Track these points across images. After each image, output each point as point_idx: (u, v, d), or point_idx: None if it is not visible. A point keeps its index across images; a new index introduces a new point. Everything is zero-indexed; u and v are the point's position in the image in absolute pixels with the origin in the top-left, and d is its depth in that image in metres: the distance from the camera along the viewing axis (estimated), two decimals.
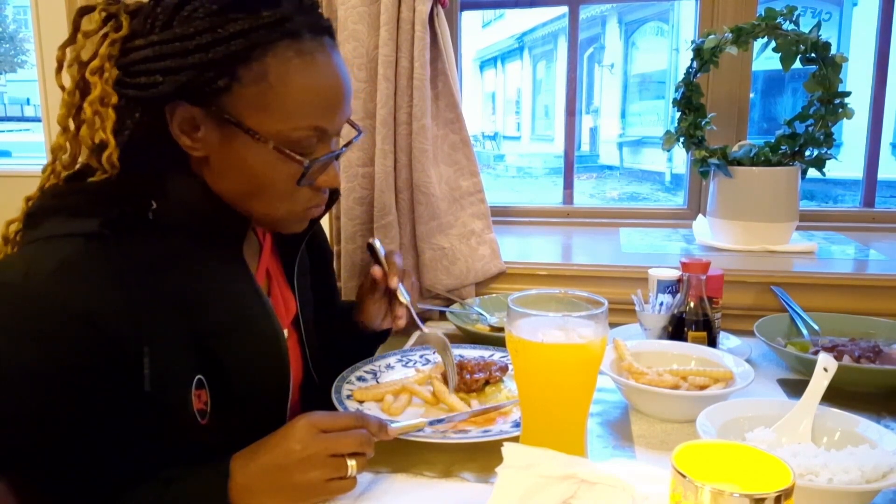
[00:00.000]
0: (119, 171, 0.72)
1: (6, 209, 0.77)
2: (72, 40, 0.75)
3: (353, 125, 0.87)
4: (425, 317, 1.46)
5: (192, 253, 0.76)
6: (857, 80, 1.81)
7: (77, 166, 0.76)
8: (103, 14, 0.74)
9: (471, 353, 1.10)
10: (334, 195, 0.89)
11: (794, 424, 0.79)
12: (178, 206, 0.75)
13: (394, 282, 1.01)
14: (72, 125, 0.74)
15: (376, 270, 1.02)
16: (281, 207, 0.78)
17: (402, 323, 1.04)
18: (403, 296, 1.01)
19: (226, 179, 0.76)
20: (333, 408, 0.90)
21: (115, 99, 0.71)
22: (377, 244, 1.04)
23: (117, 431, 0.69)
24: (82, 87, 0.73)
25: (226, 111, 0.71)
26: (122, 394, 0.68)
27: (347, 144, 0.83)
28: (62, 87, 0.74)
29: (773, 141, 1.51)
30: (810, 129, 1.46)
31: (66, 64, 0.74)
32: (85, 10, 0.76)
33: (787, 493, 0.46)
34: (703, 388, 0.92)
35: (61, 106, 0.74)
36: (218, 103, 0.71)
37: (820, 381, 0.80)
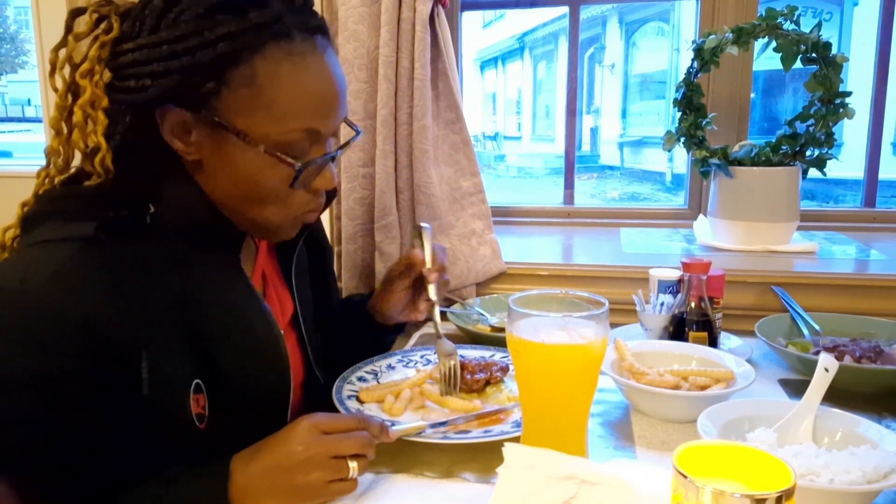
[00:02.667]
0: (114, 175, 0.71)
1: (7, 209, 0.77)
2: (63, 42, 0.74)
3: (350, 125, 0.86)
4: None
5: (188, 257, 0.76)
6: (857, 79, 1.81)
7: (72, 170, 0.75)
8: (95, 16, 0.73)
9: (472, 353, 1.10)
10: (331, 195, 0.88)
11: (796, 425, 0.79)
12: (175, 210, 0.75)
13: (433, 276, 1.00)
14: (64, 128, 0.73)
15: (417, 254, 1.01)
16: (275, 211, 0.77)
17: (421, 317, 1.04)
18: (433, 295, 1.01)
19: (219, 183, 0.76)
20: (336, 409, 0.90)
21: (105, 102, 0.70)
22: (428, 230, 1.02)
23: (115, 436, 0.69)
24: (73, 90, 0.72)
25: (216, 114, 0.70)
26: (119, 398, 0.68)
27: (343, 146, 0.82)
28: (55, 90, 0.73)
29: (773, 141, 1.51)
30: (811, 128, 1.46)
31: (58, 66, 0.73)
32: (77, 12, 0.75)
33: (789, 493, 0.46)
34: (704, 388, 0.92)
35: (54, 109, 0.73)
36: (207, 107, 0.70)
37: (821, 382, 0.80)
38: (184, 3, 0.69)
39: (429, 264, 1.01)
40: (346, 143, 0.83)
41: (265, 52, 0.69)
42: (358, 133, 0.87)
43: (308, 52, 0.72)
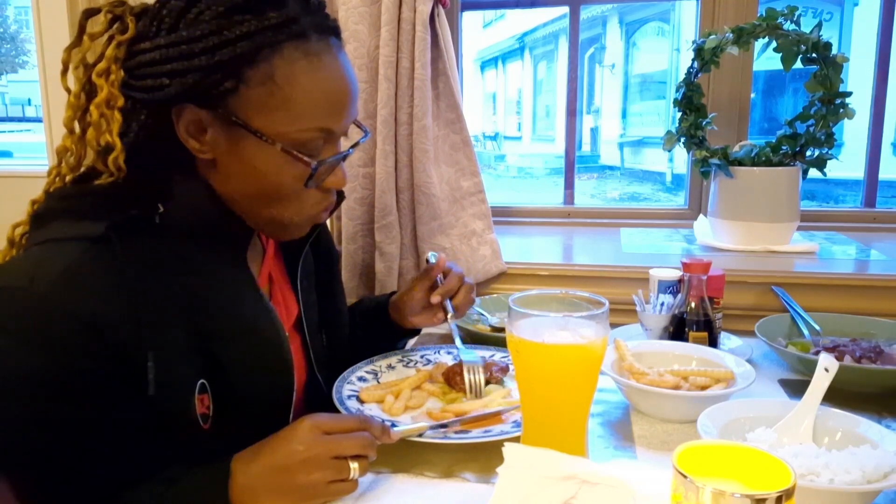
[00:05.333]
0: (125, 174, 0.72)
1: (8, 209, 0.77)
2: (77, 42, 0.74)
3: (359, 126, 0.87)
4: None
5: (196, 257, 0.76)
6: (858, 79, 1.81)
7: (82, 169, 0.75)
8: (109, 16, 0.74)
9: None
10: (340, 197, 0.89)
11: (796, 425, 0.79)
12: (185, 210, 0.75)
13: (436, 298, 1.06)
14: (77, 127, 0.74)
15: (432, 264, 1.10)
16: (288, 210, 0.78)
17: (436, 321, 1.10)
18: (449, 309, 1.08)
19: (233, 182, 0.76)
20: (337, 410, 0.90)
21: (121, 101, 0.71)
22: (432, 257, 1.13)
23: (120, 435, 0.69)
24: (88, 90, 0.73)
25: (233, 113, 0.71)
26: (125, 398, 0.68)
27: (354, 145, 0.83)
28: (68, 90, 0.74)
29: (774, 141, 1.51)
30: (811, 129, 1.46)
31: (71, 66, 0.74)
32: (90, 13, 0.76)
33: (789, 493, 0.46)
34: (704, 388, 0.92)
35: (67, 108, 0.74)
36: (225, 105, 0.71)
37: (821, 382, 0.80)
38: (203, 3, 0.70)
39: (439, 275, 1.09)
40: (357, 143, 0.84)
41: (283, 52, 0.70)
42: (367, 134, 0.87)
43: (324, 52, 0.73)
